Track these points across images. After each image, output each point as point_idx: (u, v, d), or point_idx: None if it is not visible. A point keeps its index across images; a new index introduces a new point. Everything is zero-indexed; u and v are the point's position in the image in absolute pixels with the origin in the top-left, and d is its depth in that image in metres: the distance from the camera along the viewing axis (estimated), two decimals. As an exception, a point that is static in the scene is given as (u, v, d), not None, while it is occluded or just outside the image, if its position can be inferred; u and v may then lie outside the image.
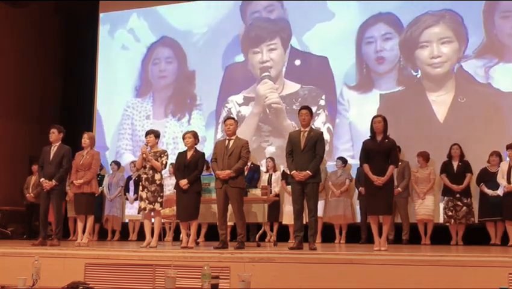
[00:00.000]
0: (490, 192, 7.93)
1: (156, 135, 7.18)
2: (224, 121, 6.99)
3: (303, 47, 9.88)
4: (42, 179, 7.33)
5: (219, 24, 10.54)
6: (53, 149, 7.43)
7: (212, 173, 6.96)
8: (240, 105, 10.13)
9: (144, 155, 6.96)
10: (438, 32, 9.07)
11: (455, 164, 8.25)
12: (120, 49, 11.24)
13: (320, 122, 9.54)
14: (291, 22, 10.00)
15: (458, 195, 8.09)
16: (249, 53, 10.22)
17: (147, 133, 7.18)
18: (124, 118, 11.00)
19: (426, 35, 9.12)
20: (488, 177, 8.02)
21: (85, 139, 7.46)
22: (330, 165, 9.19)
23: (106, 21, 11.44)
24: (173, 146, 10.29)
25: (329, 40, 9.71)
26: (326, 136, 9.40)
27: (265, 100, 9.89)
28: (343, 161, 8.99)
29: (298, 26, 9.93)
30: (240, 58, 10.34)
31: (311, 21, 9.85)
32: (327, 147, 9.24)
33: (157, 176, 6.99)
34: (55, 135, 7.47)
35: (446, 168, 8.30)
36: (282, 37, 10.01)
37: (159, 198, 6.96)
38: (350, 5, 9.63)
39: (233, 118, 7.06)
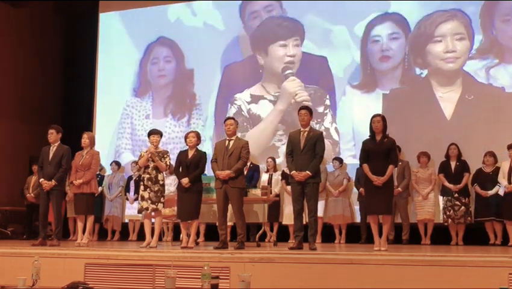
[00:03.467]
0: (483, 192, 7.94)
1: (160, 135, 7.21)
2: (225, 121, 6.98)
3: (307, 47, 9.82)
4: (41, 180, 7.33)
5: (218, 24, 10.51)
6: (52, 149, 7.43)
7: (212, 173, 6.95)
8: (248, 103, 10.10)
9: (151, 156, 6.95)
10: (452, 28, 8.98)
11: (453, 163, 8.23)
12: (119, 49, 11.22)
13: (327, 122, 9.50)
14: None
15: (456, 195, 8.07)
16: (274, 46, 9.96)
17: (152, 133, 7.16)
18: (124, 117, 10.99)
19: (440, 29, 9.02)
20: (482, 178, 8.03)
21: (84, 139, 7.46)
22: (331, 165, 9.17)
23: (106, 21, 11.42)
24: (172, 145, 10.28)
25: (333, 39, 9.65)
26: (335, 136, 9.40)
27: (295, 97, 9.71)
28: (340, 161, 8.99)
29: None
30: (240, 57, 10.31)
31: (313, 21, 9.80)
32: (335, 148, 9.26)
33: (160, 176, 7.00)
34: (53, 135, 7.46)
35: (444, 168, 8.29)
36: (301, 36, 9.91)
37: (162, 198, 6.98)
38: (357, 4, 9.55)
39: (233, 118, 7.05)
